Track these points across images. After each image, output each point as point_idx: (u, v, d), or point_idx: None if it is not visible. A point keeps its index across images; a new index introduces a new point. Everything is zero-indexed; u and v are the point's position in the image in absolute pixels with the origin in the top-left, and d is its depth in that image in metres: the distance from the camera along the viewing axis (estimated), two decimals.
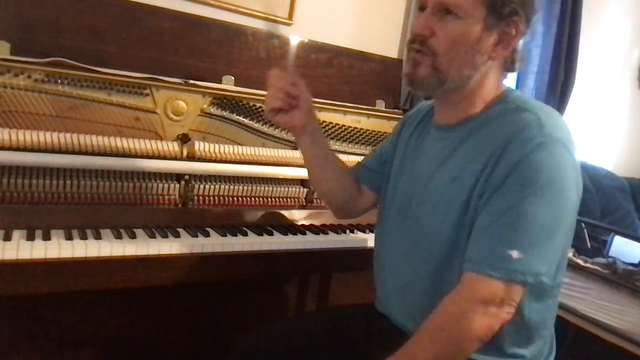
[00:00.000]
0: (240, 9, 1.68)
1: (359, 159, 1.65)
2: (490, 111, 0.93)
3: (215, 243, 1.24)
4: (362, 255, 1.45)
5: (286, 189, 1.51)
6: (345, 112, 1.70)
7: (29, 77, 1.21)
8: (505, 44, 0.91)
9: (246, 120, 1.52)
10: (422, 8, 0.92)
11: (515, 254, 0.81)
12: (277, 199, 1.51)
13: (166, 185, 1.33)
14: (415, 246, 0.98)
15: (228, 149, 1.42)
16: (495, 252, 0.82)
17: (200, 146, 1.38)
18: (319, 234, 1.43)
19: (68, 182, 1.21)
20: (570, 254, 1.59)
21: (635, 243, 1.79)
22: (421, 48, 0.90)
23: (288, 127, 1.11)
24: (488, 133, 0.90)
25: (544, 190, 0.82)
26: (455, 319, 0.83)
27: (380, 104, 1.87)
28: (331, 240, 1.42)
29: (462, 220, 0.90)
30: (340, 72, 1.80)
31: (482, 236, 0.85)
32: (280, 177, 1.49)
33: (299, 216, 1.51)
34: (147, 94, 1.36)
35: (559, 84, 2.29)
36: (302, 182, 1.54)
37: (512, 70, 0.97)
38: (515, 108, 0.90)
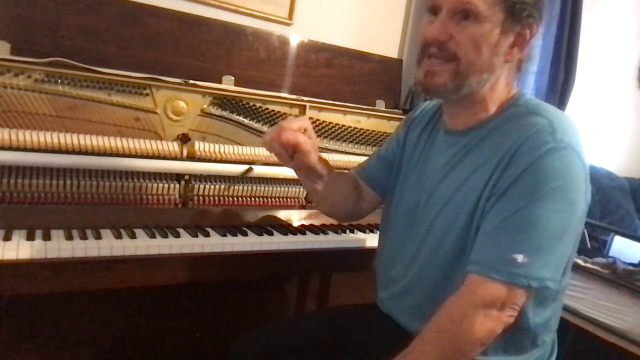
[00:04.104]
0: (240, 9, 1.68)
1: (359, 158, 1.66)
2: (501, 115, 0.92)
3: (215, 243, 1.24)
4: (362, 255, 1.45)
5: (286, 189, 1.51)
6: (345, 112, 1.70)
7: (29, 77, 1.21)
8: (521, 46, 0.90)
9: (246, 120, 1.52)
10: (435, 12, 0.90)
11: (520, 257, 0.80)
12: (277, 199, 1.51)
13: (166, 185, 1.33)
14: (422, 248, 0.98)
15: (228, 149, 1.42)
16: (500, 255, 0.82)
17: (200, 146, 1.37)
18: (319, 234, 1.43)
19: (68, 182, 1.21)
20: None
21: (635, 243, 1.78)
22: (440, 53, 0.88)
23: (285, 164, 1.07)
24: (499, 137, 0.89)
25: (553, 195, 0.81)
26: (456, 322, 0.82)
27: (380, 104, 1.87)
28: (331, 240, 1.42)
29: (470, 223, 0.90)
30: (340, 72, 1.80)
31: (488, 239, 0.85)
32: (280, 177, 1.49)
33: (299, 216, 1.51)
34: (147, 94, 1.36)
35: (559, 84, 2.28)
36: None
37: (519, 71, 0.96)
38: (526, 112, 0.90)
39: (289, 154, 1.00)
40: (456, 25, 0.87)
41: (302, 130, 1.00)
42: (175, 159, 1.34)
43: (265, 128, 1.55)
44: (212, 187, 1.39)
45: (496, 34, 0.87)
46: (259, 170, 1.45)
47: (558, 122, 0.85)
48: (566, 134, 0.84)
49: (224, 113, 1.48)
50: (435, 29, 0.88)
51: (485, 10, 0.85)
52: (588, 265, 1.59)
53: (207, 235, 1.26)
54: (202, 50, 1.53)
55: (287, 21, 1.78)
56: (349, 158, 1.66)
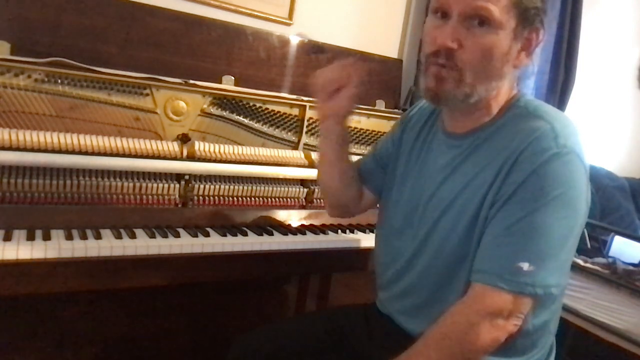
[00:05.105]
0: (240, 9, 1.68)
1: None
2: (502, 117, 0.91)
3: (215, 243, 1.24)
4: (362, 255, 1.45)
5: (286, 189, 1.51)
6: None
7: (29, 77, 1.21)
8: (527, 50, 0.89)
9: (246, 120, 1.52)
10: (442, 15, 0.86)
11: (525, 266, 0.80)
12: (277, 199, 1.51)
13: (166, 185, 1.33)
14: (422, 251, 0.97)
15: (228, 149, 1.42)
16: (505, 264, 0.81)
17: (200, 146, 1.38)
18: (319, 234, 1.43)
19: (68, 182, 1.21)
20: None
21: (635, 243, 1.78)
22: (447, 62, 0.84)
23: (316, 106, 1.10)
24: (500, 140, 0.88)
25: (557, 201, 0.81)
26: (462, 330, 0.82)
27: (380, 104, 1.87)
28: (331, 240, 1.42)
29: (472, 229, 0.89)
30: None
31: (492, 247, 0.84)
32: (280, 177, 1.49)
33: (299, 216, 1.51)
34: (147, 94, 1.36)
35: (559, 84, 2.28)
36: (302, 182, 1.54)
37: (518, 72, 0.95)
38: (527, 114, 0.88)
39: (331, 88, 1.03)
40: (467, 31, 0.83)
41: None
42: (175, 159, 1.34)
43: (265, 128, 1.55)
44: (212, 187, 1.39)
45: (508, 41, 0.85)
46: (259, 170, 1.45)
47: (560, 126, 0.84)
48: (569, 138, 0.83)
49: (224, 113, 1.48)
50: (446, 36, 0.84)
51: (500, 16, 0.82)
52: (588, 265, 1.59)
53: (207, 235, 1.26)
54: (202, 50, 1.53)
55: (287, 21, 1.78)
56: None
